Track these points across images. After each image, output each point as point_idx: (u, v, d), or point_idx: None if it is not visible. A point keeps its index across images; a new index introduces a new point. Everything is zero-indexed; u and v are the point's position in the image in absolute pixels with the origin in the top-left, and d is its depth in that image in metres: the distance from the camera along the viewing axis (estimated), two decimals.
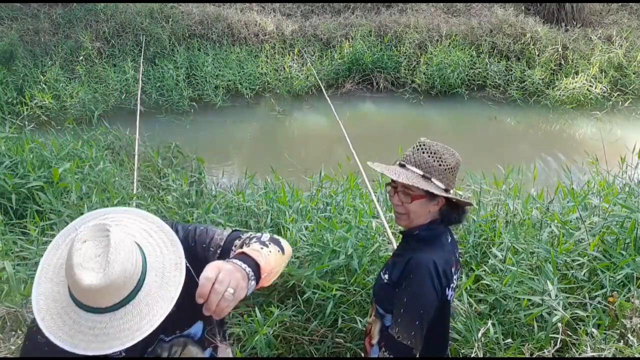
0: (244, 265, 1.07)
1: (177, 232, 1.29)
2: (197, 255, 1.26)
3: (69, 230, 1.14)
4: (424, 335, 1.47)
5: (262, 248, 1.17)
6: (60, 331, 1.00)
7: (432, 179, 1.50)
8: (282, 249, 1.27)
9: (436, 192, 1.48)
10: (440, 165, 1.51)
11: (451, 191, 1.55)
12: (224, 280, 0.99)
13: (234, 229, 1.40)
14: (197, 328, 1.34)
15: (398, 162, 1.58)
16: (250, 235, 1.30)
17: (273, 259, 1.18)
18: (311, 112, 7.81)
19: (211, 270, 1.00)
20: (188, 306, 1.26)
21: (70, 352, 1.13)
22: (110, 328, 1.00)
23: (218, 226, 2.96)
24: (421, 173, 1.50)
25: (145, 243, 1.12)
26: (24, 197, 3.52)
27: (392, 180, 1.57)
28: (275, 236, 1.31)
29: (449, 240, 1.60)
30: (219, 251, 1.30)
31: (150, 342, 1.25)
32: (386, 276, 1.58)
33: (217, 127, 7.28)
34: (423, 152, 1.53)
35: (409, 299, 1.46)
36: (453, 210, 1.58)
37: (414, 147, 1.57)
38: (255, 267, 1.09)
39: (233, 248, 1.29)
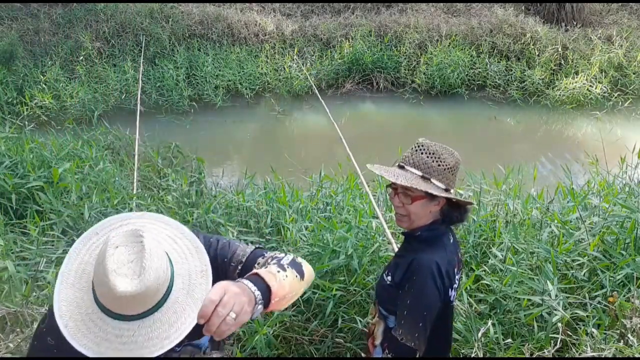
0: (253, 288, 1.02)
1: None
2: (217, 269, 1.23)
3: (90, 235, 1.13)
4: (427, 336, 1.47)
5: (278, 271, 1.12)
6: (85, 338, 0.99)
7: (432, 180, 1.49)
8: (302, 274, 1.21)
9: (435, 192, 1.47)
10: (439, 165, 1.50)
11: (451, 191, 1.55)
12: (227, 303, 0.95)
13: (257, 246, 1.36)
14: (205, 339, 1.32)
15: (397, 164, 1.57)
16: (273, 255, 1.26)
17: (288, 283, 1.13)
18: (311, 112, 7.81)
19: (216, 292, 0.96)
20: None
21: (79, 354, 1.13)
22: (139, 336, 0.99)
23: (218, 226, 2.97)
24: (420, 174, 1.50)
25: (171, 250, 1.11)
26: (24, 197, 3.52)
27: (392, 182, 1.57)
28: (299, 259, 1.26)
29: (451, 241, 1.60)
30: (239, 267, 1.27)
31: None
32: (389, 278, 1.58)
33: (217, 127, 7.28)
34: (422, 153, 1.52)
35: (412, 301, 1.45)
36: (454, 210, 1.57)
37: (412, 148, 1.56)
38: (266, 291, 1.05)
39: (255, 265, 1.25)
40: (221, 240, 1.32)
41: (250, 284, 1.03)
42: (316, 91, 6.08)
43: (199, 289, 1.07)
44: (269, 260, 1.22)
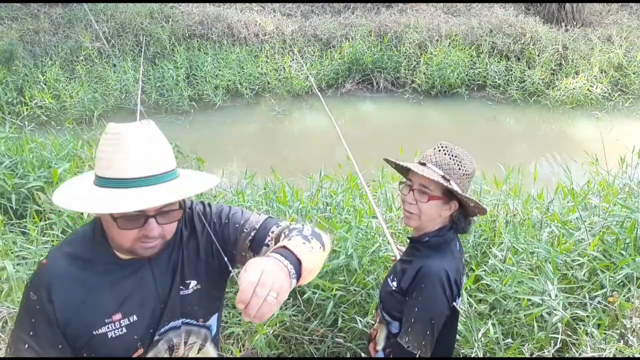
0: (286, 262, 0.98)
1: (209, 206, 1.31)
2: (228, 236, 1.23)
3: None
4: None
5: (304, 243, 1.08)
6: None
7: (451, 182, 1.48)
8: (323, 245, 1.18)
9: (460, 191, 1.47)
10: (460, 169, 1.50)
11: None
12: (266, 282, 0.89)
13: (268, 215, 1.33)
14: (214, 320, 1.33)
15: (418, 161, 1.56)
16: (290, 226, 1.21)
17: (316, 255, 1.09)
18: (311, 112, 7.81)
19: (253, 271, 0.90)
20: (212, 292, 1.29)
21: (67, 349, 1.12)
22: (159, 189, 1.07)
23: None
24: (441, 173, 1.48)
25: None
26: (24, 197, 3.52)
27: (408, 178, 1.55)
28: (317, 229, 1.21)
29: (457, 248, 1.59)
30: (252, 233, 1.24)
31: (168, 318, 1.23)
32: (394, 283, 1.56)
33: (217, 127, 7.28)
34: (445, 154, 1.51)
35: (421, 309, 1.44)
36: (463, 219, 1.57)
37: (434, 148, 1.55)
38: (297, 264, 1.01)
39: (269, 234, 1.22)
40: (233, 208, 1.32)
41: (282, 258, 0.99)
42: (318, 92, 6.09)
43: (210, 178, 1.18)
44: (287, 232, 1.18)
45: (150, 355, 1.22)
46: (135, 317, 1.17)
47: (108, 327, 1.15)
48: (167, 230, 1.13)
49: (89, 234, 1.19)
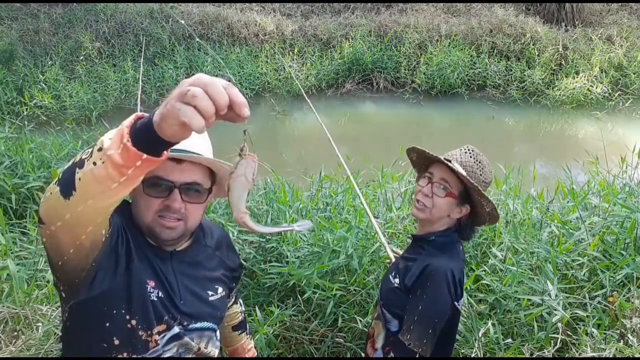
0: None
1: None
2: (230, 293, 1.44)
3: None
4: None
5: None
6: None
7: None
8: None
9: (482, 190, 1.48)
10: (481, 174, 1.51)
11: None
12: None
13: (244, 321, 1.66)
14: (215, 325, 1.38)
15: (443, 157, 1.56)
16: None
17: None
18: (311, 112, 7.79)
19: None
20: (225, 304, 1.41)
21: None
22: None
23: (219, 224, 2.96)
24: (464, 174, 1.49)
25: None
26: (23, 197, 3.52)
27: (429, 171, 1.56)
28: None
29: (461, 249, 1.60)
30: (229, 305, 1.48)
31: (190, 312, 1.23)
32: (396, 280, 1.56)
33: (216, 126, 7.23)
34: (470, 156, 1.53)
35: (425, 307, 1.44)
36: (469, 225, 1.59)
37: (461, 150, 1.56)
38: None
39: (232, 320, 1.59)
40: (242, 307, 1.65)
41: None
42: (305, 95, 6.06)
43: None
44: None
45: (170, 347, 1.20)
46: (161, 294, 1.16)
47: (148, 288, 1.14)
48: (189, 212, 1.14)
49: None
